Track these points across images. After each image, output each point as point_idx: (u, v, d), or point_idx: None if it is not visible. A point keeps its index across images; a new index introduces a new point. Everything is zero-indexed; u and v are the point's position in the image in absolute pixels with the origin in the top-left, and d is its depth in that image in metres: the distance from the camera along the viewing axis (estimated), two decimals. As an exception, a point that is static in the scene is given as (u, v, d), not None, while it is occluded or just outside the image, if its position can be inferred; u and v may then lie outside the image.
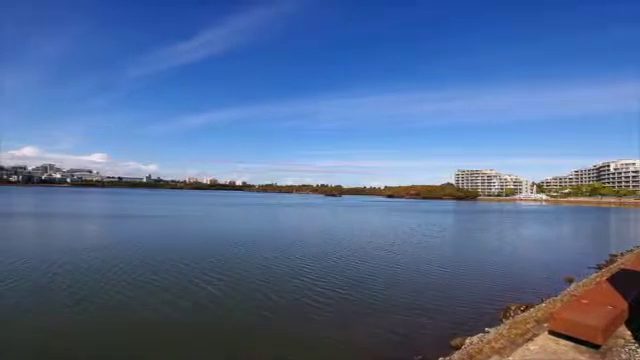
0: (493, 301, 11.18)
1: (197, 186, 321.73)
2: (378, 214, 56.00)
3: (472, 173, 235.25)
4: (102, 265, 14.26)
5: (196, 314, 9.39)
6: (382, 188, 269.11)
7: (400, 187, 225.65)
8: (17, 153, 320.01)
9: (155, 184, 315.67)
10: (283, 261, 16.38)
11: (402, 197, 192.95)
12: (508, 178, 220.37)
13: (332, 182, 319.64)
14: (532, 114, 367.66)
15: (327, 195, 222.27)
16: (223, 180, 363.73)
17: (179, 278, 12.73)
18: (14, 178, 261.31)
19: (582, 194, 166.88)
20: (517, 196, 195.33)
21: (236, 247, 19.90)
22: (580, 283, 12.50)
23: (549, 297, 10.57)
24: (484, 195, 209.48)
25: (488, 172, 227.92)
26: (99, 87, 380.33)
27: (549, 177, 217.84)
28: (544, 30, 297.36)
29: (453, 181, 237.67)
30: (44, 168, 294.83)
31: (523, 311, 9.49)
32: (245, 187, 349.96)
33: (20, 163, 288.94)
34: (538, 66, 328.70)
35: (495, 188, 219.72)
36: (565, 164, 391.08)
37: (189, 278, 12.74)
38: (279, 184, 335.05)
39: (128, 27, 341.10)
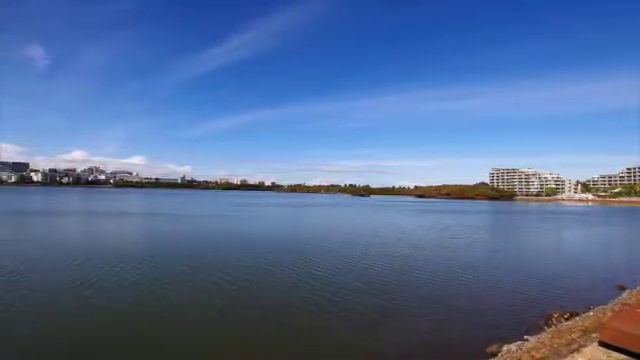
0: (533, 307, 10.48)
1: (228, 186, 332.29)
2: (406, 214, 54.66)
3: (508, 172, 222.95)
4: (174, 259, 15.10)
5: (218, 313, 9.62)
6: (411, 188, 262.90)
7: (430, 187, 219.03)
8: (68, 157, 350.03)
9: (189, 184, 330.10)
10: (308, 261, 16.42)
11: (432, 197, 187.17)
12: (549, 177, 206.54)
13: (360, 182, 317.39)
14: (575, 107, 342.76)
15: (355, 195, 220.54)
16: (252, 180, 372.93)
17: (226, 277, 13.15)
18: (65, 180, 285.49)
19: (636, 194, 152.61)
20: (559, 196, 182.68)
21: (262, 248, 20.24)
22: (634, 291, 11.39)
23: (597, 305, 9.72)
24: (522, 195, 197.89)
25: (526, 170, 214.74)
26: (137, 94, 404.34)
27: (595, 175, 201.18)
28: (580, 21, 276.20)
29: (487, 180, 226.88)
30: (90, 170, 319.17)
31: (567, 319, 8.79)
32: (274, 187, 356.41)
33: (70, 166, 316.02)
34: (580, 55, 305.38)
35: (534, 187, 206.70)
36: (615, 161, 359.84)
37: (220, 277, 13.12)
38: (307, 184, 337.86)
39: (162, 37, 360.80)
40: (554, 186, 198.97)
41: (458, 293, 11.85)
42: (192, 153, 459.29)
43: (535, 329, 8.51)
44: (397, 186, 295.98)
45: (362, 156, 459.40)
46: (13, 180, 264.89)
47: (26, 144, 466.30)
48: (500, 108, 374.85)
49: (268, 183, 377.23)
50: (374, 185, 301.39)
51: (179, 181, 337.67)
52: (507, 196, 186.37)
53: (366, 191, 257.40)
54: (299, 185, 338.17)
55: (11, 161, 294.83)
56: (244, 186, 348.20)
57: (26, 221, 31.22)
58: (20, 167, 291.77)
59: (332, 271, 14.45)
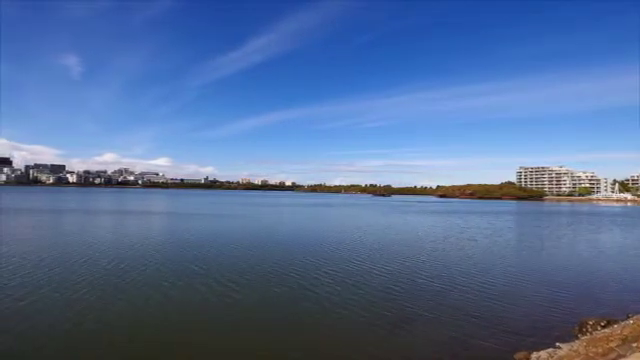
0: (565, 313, 9.95)
1: (249, 186, 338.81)
2: (427, 215, 53.45)
3: (537, 170, 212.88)
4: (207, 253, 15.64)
5: (231, 310, 9.78)
6: (434, 188, 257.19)
7: (454, 186, 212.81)
8: (100, 159, 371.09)
9: (212, 185, 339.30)
10: (326, 261, 16.40)
11: (455, 197, 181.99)
12: (582, 175, 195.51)
13: (381, 182, 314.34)
14: (611, 101, 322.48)
15: (375, 195, 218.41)
16: (273, 181, 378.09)
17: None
18: (98, 180, 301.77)
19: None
20: (594, 196, 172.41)
21: (284, 248, 20.43)
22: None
23: (637, 313, 9.07)
24: (552, 195, 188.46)
25: (557, 169, 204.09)
26: (162, 98, 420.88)
27: (635, 174, 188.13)
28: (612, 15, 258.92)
29: (514, 179, 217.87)
30: (120, 172, 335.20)
31: (604, 327, 8.27)
32: (295, 187, 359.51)
33: (102, 167, 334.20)
34: (616, 48, 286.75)
35: (566, 187, 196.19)
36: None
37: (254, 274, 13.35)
38: (327, 184, 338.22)
39: (185, 43, 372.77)
40: (588, 185, 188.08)
41: (485, 297, 11.43)
42: (215, 154, 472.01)
43: (568, 336, 8.06)
44: (419, 186, 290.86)
45: (383, 156, 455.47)
46: (51, 181, 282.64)
47: (63, 147, 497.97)
48: (527, 104, 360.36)
49: (288, 183, 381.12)
50: (395, 185, 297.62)
51: (202, 181, 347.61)
52: (536, 196, 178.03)
53: (387, 191, 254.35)
54: (319, 185, 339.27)
55: (50, 163, 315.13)
56: (265, 186, 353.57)
57: (112, 219, 33.21)
58: (57, 169, 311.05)
59: (348, 274, 14.38)
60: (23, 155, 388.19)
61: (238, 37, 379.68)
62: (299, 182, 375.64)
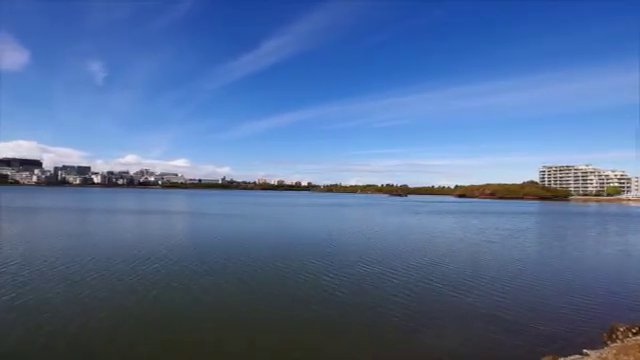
0: (593, 318, 9.56)
1: (266, 187, 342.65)
2: (444, 215, 52.42)
3: (562, 169, 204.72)
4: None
5: (255, 309, 9.95)
6: (452, 187, 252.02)
7: (473, 186, 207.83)
8: (122, 160, 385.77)
9: (228, 185, 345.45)
10: (344, 263, 16.42)
11: (475, 197, 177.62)
12: (611, 174, 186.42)
13: (398, 182, 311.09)
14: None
15: (392, 195, 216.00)
16: (289, 181, 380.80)
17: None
18: (120, 181, 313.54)
19: None
20: (623, 195, 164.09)
21: (301, 249, 20.60)
22: None
23: (673, 319, 8.63)
24: (577, 195, 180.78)
25: (583, 167, 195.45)
26: (180, 100, 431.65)
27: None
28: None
29: (537, 179, 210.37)
30: (141, 172, 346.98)
31: (635, 334, 7.91)
32: (310, 187, 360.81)
33: (124, 169, 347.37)
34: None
35: (592, 187, 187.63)
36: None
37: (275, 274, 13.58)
38: (343, 184, 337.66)
39: (201, 46, 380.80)
40: (617, 185, 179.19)
41: (508, 300, 11.13)
42: (231, 155, 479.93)
43: (596, 343, 7.76)
44: (437, 186, 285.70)
45: (400, 155, 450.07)
46: (78, 182, 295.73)
47: (88, 149, 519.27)
48: (551, 101, 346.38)
49: (304, 183, 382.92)
50: (412, 185, 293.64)
51: (219, 182, 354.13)
52: (561, 196, 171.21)
53: (403, 191, 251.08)
54: (335, 185, 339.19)
55: (76, 165, 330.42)
56: (281, 186, 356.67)
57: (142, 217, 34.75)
58: (83, 170, 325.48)
59: (365, 275, 14.34)
60: (51, 157, 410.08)
61: (251, 40, 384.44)
62: (315, 182, 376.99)
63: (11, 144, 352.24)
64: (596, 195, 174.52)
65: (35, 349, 7.06)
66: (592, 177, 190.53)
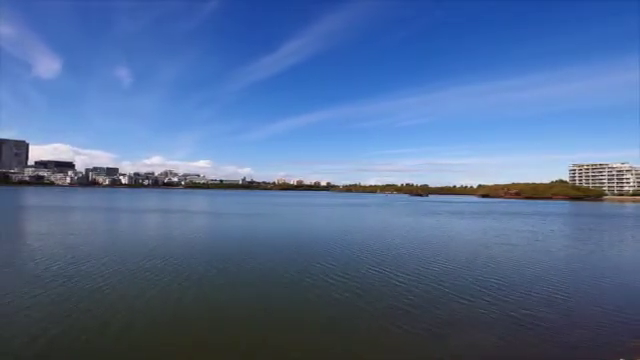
0: (630, 326, 9.11)
1: (285, 187, 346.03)
2: (466, 216, 50.98)
3: (594, 167, 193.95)
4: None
5: (259, 309, 10.14)
6: (475, 187, 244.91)
7: (497, 185, 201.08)
8: (148, 162, 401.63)
9: (249, 185, 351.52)
10: (368, 264, 16.41)
11: (499, 197, 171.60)
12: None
13: (419, 181, 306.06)
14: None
15: (412, 195, 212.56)
16: (308, 181, 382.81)
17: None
18: (146, 182, 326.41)
19: None
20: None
21: (321, 249, 20.74)
22: None
23: None
24: (612, 194, 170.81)
25: (618, 165, 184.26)
26: (203, 103, 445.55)
27: None
28: None
29: (567, 178, 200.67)
30: (165, 173, 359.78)
31: (677, 344, 7.50)
32: (330, 187, 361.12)
33: (149, 170, 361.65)
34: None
35: (629, 186, 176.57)
36: None
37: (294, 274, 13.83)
38: (362, 184, 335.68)
39: (223, 49, 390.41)
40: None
41: (533, 303, 10.78)
42: (252, 155, 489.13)
43: (634, 352, 7.43)
44: (458, 185, 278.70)
45: (421, 154, 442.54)
46: (107, 182, 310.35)
47: (116, 151, 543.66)
48: (580, 96, 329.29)
49: (324, 183, 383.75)
50: (433, 184, 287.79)
51: (240, 182, 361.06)
52: (593, 195, 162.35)
53: (424, 191, 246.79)
54: (354, 185, 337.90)
55: (105, 166, 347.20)
56: (300, 186, 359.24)
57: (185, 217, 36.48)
58: (112, 171, 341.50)
59: (386, 278, 14.28)
60: (83, 159, 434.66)
61: (272, 41, 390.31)
62: (334, 182, 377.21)
63: (48, 147, 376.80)
64: (633, 195, 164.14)
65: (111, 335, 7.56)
66: (629, 176, 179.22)
